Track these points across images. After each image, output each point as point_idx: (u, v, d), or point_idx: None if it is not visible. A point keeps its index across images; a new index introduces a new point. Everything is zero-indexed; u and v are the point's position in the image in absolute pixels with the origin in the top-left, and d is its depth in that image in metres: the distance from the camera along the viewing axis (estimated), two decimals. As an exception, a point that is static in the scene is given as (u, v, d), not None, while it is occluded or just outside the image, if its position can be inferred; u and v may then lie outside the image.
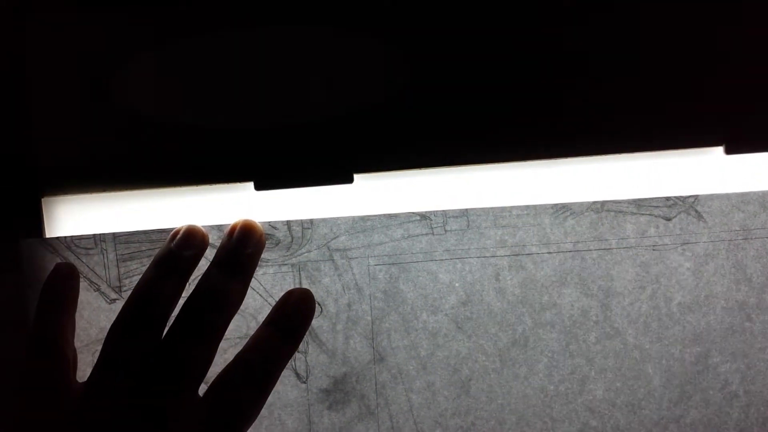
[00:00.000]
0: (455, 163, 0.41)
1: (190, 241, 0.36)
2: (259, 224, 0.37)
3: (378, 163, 0.41)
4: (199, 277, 0.36)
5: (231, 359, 0.35)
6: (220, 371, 0.35)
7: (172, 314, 0.36)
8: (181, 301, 0.36)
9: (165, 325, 0.35)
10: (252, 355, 0.35)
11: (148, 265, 0.36)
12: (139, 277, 0.40)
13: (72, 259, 0.40)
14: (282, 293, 0.41)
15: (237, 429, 0.34)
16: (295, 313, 0.36)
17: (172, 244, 0.36)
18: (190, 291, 0.36)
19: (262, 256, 0.41)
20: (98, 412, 0.33)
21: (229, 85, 0.40)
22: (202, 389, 0.35)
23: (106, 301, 0.40)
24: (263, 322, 0.36)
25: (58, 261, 0.39)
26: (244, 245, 0.36)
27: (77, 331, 0.40)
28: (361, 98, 0.41)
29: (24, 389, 0.34)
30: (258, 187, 0.41)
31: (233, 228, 0.37)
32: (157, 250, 0.40)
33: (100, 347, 0.40)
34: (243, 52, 0.40)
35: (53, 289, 0.37)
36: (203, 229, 0.37)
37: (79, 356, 0.40)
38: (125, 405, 0.33)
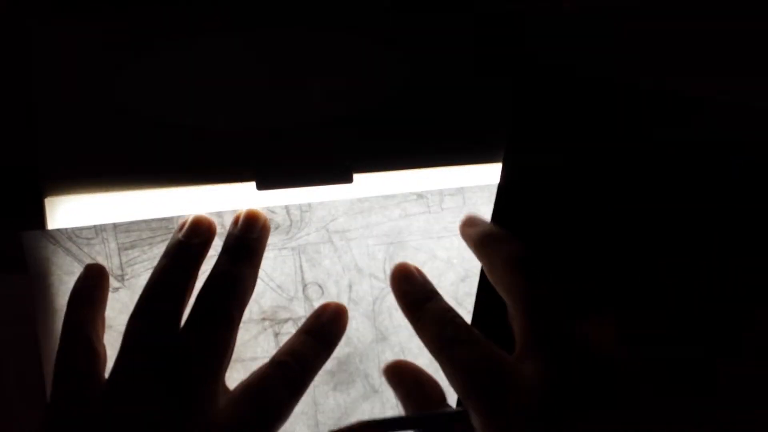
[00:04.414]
0: (455, 162, 0.42)
1: (197, 230, 0.38)
2: (262, 211, 0.39)
3: (378, 163, 0.42)
4: (211, 268, 0.38)
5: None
6: (254, 370, 0.37)
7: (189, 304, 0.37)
8: (197, 291, 0.37)
9: (182, 313, 0.36)
10: (288, 359, 0.37)
11: (159, 257, 0.38)
12: (141, 265, 0.41)
13: (74, 249, 0.40)
14: (283, 276, 0.42)
15: (270, 427, 0.35)
16: (329, 324, 0.39)
17: (180, 235, 0.38)
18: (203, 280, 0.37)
19: (262, 240, 0.41)
20: (124, 404, 0.33)
21: (230, 85, 0.41)
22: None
23: (109, 289, 0.40)
24: (299, 330, 0.39)
25: (88, 262, 0.40)
26: (250, 231, 0.38)
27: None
28: (361, 98, 0.42)
29: (56, 381, 0.35)
30: (260, 187, 0.41)
31: (238, 217, 0.39)
32: (158, 238, 0.40)
33: (104, 336, 0.40)
34: (243, 52, 0.41)
35: (84, 288, 0.38)
36: (209, 218, 0.39)
37: (85, 344, 0.40)
38: (150, 395, 0.33)
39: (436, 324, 0.36)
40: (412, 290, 0.38)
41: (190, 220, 0.39)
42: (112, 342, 0.40)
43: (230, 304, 0.36)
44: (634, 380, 0.33)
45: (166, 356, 0.34)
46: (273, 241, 0.41)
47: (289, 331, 0.42)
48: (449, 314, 0.36)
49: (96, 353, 0.36)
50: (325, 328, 0.39)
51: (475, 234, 0.39)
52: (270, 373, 0.36)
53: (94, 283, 0.38)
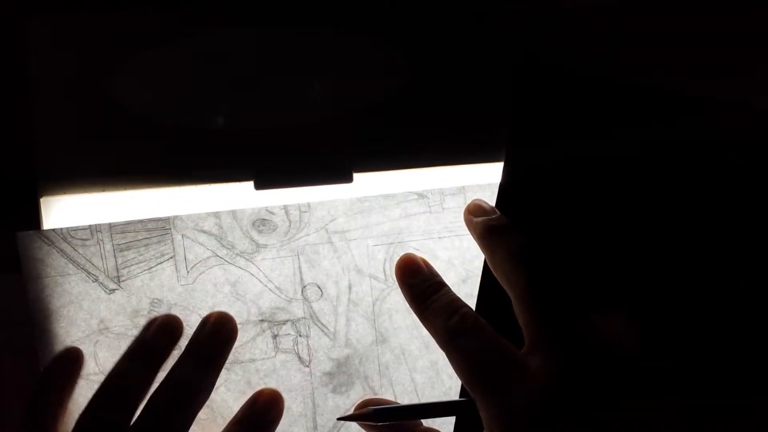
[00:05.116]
0: (456, 162, 0.42)
1: (165, 331, 0.38)
2: (232, 316, 0.39)
3: (378, 162, 0.42)
4: (172, 366, 0.37)
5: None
6: None
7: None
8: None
9: (134, 414, 0.35)
10: None
11: (121, 355, 0.37)
12: (137, 266, 0.40)
13: (68, 251, 0.39)
14: (281, 277, 0.41)
15: None
16: (261, 415, 0.39)
17: (147, 334, 0.38)
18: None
19: (260, 241, 0.41)
20: None
21: (229, 85, 0.41)
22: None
23: (105, 291, 0.40)
24: (232, 420, 0.38)
25: (68, 345, 0.39)
26: (216, 337, 0.38)
27: (78, 322, 0.40)
28: (361, 98, 0.41)
29: None
30: (258, 187, 0.41)
31: (207, 319, 0.39)
32: (154, 239, 0.40)
33: (100, 338, 0.40)
34: (243, 52, 0.41)
35: (54, 374, 0.38)
36: (179, 318, 0.39)
37: (81, 346, 0.40)
38: None
39: (443, 315, 0.36)
40: (418, 282, 0.38)
41: (159, 320, 0.39)
42: (108, 343, 0.40)
43: (183, 411, 0.35)
44: (639, 378, 0.33)
45: None
46: (272, 242, 0.41)
47: (288, 332, 0.41)
48: (456, 305, 0.36)
49: None
50: (258, 419, 0.39)
51: (479, 224, 0.38)
52: None
53: (64, 371, 0.38)
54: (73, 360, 0.39)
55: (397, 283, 0.39)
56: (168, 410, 0.35)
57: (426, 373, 0.42)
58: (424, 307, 0.37)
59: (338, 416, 0.40)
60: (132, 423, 0.35)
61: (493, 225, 0.38)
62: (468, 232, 0.40)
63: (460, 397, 0.40)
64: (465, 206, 0.40)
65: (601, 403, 0.32)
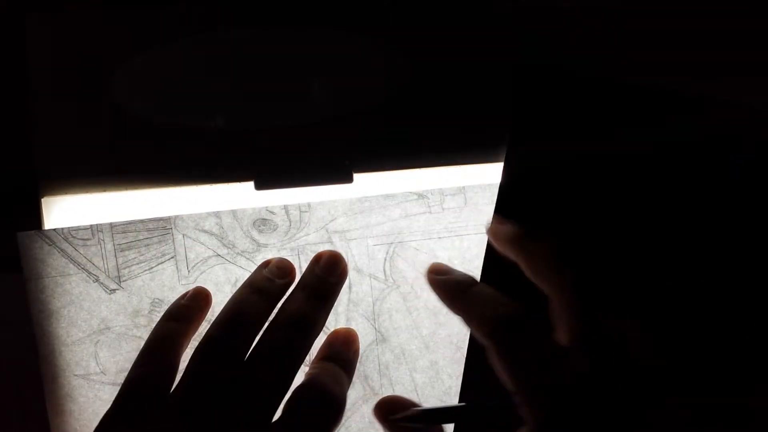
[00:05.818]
0: (456, 162, 0.42)
1: (282, 272, 0.39)
2: (343, 256, 0.40)
3: (378, 162, 0.42)
4: (284, 300, 0.37)
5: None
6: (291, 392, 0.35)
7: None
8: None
9: (251, 343, 0.35)
10: (326, 379, 0.36)
11: (239, 287, 0.38)
12: (138, 266, 0.40)
13: (69, 250, 0.39)
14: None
15: None
16: (345, 350, 0.39)
17: (265, 271, 0.38)
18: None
19: (260, 241, 0.41)
20: (180, 423, 0.32)
21: (229, 85, 0.41)
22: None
23: (105, 291, 0.40)
24: (317, 357, 0.38)
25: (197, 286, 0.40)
26: (330, 274, 0.39)
27: (79, 322, 0.40)
28: (361, 98, 0.41)
29: (126, 385, 0.34)
30: (258, 187, 0.41)
31: (319, 256, 0.39)
32: (155, 239, 0.40)
33: (101, 338, 0.40)
34: (243, 52, 0.41)
35: (182, 307, 0.38)
36: (292, 263, 0.40)
37: (81, 347, 0.40)
38: (205, 423, 0.32)
39: (489, 304, 0.35)
40: (453, 278, 0.38)
41: (275, 260, 0.39)
42: (109, 343, 0.40)
43: (299, 345, 0.35)
44: (640, 378, 0.33)
45: (226, 388, 0.33)
46: (272, 241, 0.41)
47: (288, 332, 0.41)
48: (502, 297, 0.35)
49: (169, 373, 0.35)
50: (342, 354, 0.39)
51: (509, 231, 0.38)
52: (307, 394, 0.35)
53: (193, 305, 0.39)
54: (203, 296, 0.39)
55: (428, 285, 0.39)
56: (283, 342, 0.35)
57: (426, 372, 0.42)
58: (462, 297, 0.36)
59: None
60: (248, 354, 0.34)
61: (523, 232, 0.38)
62: (468, 231, 0.41)
63: (460, 398, 0.40)
64: (465, 207, 0.41)
65: (601, 403, 0.32)
